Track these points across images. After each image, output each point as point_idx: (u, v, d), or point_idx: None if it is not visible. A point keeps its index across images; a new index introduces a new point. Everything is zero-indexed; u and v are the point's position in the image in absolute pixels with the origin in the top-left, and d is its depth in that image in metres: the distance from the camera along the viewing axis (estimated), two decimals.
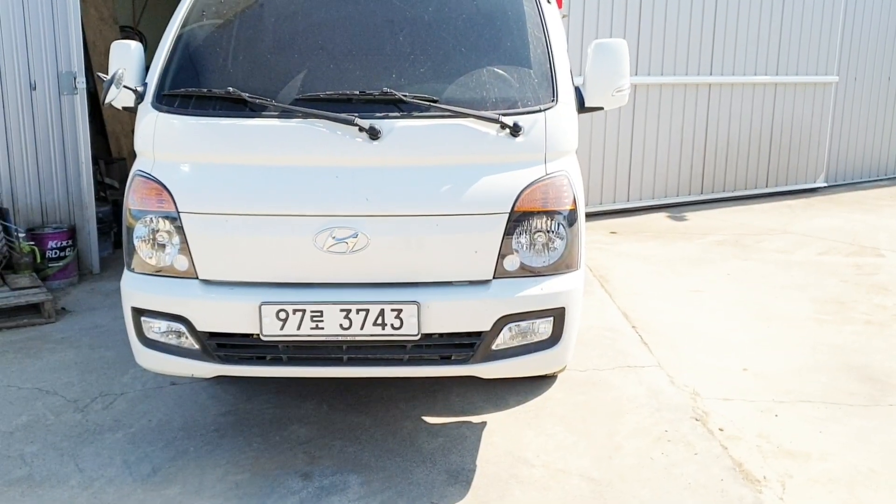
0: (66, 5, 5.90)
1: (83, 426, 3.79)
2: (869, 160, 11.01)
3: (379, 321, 3.09)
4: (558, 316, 3.22)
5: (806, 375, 4.43)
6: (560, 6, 4.89)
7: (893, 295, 5.88)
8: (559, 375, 4.30)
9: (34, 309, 5.27)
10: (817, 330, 5.14)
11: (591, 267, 6.68)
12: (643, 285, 6.15)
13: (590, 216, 8.57)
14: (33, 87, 5.90)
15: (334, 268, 3.13)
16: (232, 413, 3.91)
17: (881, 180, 11.25)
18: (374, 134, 3.11)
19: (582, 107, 3.53)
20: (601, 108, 3.56)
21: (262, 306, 3.08)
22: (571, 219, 3.24)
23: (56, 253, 5.94)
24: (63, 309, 5.47)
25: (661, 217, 8.71)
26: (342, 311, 3.08)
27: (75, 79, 5.99)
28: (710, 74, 8.99)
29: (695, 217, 8.70)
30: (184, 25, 3.58)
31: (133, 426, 3.79)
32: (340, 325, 3.09)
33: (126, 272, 3.35)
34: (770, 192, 9.81)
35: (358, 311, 3.08)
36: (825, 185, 10.42)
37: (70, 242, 6.00)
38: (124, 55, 3.53)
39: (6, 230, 5.67)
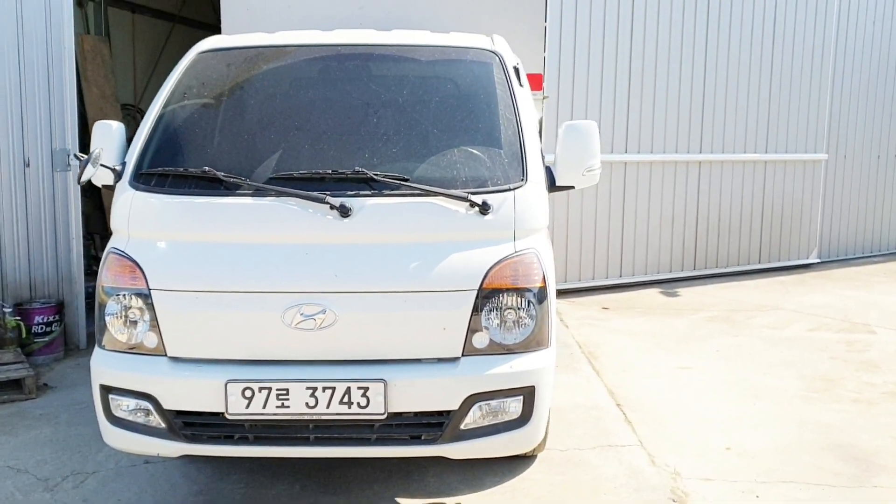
0: (63, 84, 6.05)
1: None
2: (861, 236, 11.05)
3: (345, 399, 3.07)
4: (528, 394, 3.19)
5: (790, 454, 4.36)
6: (540, 88, 5.00)
7: (883, 372, 5.83)
8: (539, 455, 4.24)
9: (15, 385, 5.24)
10: (804, 408, 5.08)
11: (580, 343, 6.65)
12: (632, 362, 6.11)
13: (582, 291, 8.59)
14: (27, 164, 6.00)
15: (302, 345, 3.13)
16: (203, 493, 3.85)
17: (874, 256, 11.27)
18: (344, 212, 3.15)
19: (553, 185, 3.57)
20: (572, 187, 3.61)
21: (229, 384, 3.07)
22: (541, 296, 3.24)
23: (42, 328, 5.94)
24: (45, 385, 5.44)
25: (653, 293, 8.70)
26: (308, 388, 3.07)
27: (69, 156, 6.09)
28: (700, 152, 9.11)
29: (687, 293, 8.69)
30: (165, 105, 3.66)
31: None
32: (306, 404, 3.07)
33: (96, 349, 3.35)
34: (763, 268, 9.82)
35: (324, 388, 3.07)
36: (818, 261, 10.44)
37: (57, 318, 6.01)
38: (106, 134, 3.61)
39: None
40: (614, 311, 7.86)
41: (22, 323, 5.78)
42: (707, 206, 9.29)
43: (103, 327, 3.29)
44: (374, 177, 3.22)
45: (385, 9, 4.96)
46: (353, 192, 3.22)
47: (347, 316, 3.10)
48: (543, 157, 3.59)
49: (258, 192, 3.25)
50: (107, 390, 3.26)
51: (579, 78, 8.17)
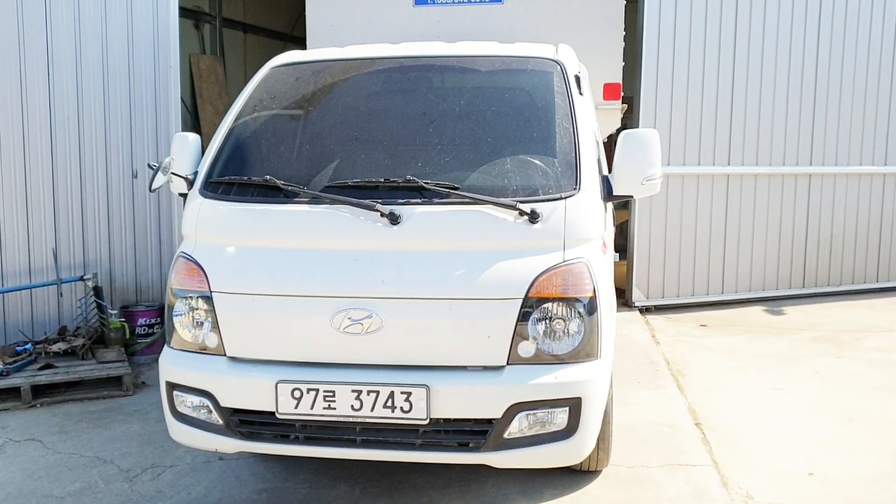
0: (168, 100, 6.44)
1: (127, 495, 3.95)
2: None
3: (389, 403, 3.12)
4: (574, 406, 3.14)
5: (881, 486, 4.08)
6: (618, 97, 4.92)
7: None
8: (603, 470, 4.15)
9: (116, 381, 5.59)
10: None
11: (669, 360, 6.46)
12: (721, 381, 5.88)
13: (679, 308, 8.34)
14: (135, 175, 6.41)
15: (349, 348, 3.20)
16: (267, 491, 3.98)
17: None
18: (394, 219, 3.21)
19: (610, 194, 3.52)
20: (631, 197, 3.54)
21: (279, 384, 3.18)
22: (591, 306, 3.19)
23: (145, 329, 6.31)
24: (143, 383, 5.77)
25: (757, 311, 8.34)
26: (353, 391, 3.14)
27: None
28: (811, 164, 8.67)
29: (793, 312, 8.28)
30: (237, 118, 3.84)
31: (173, 498, 3.92)
32: (351, 406, 3.14)
33: (165, 348, 3.54)
34: (880, 287, 9.23)
35: (368, 392, 3.13)
36: None
37: (159, 320, 6.37)
38: (182, 146, 3.82)
39: (100, 308, 6.09)
40: (712, 329, 7.58)
41: (126, 324, 6.16)
42: (818, 221, 8.82)
43: (171, 328, 3.48)
44: (425, 185, 3.27)
45: (462, 22, 5.03)
46: (403, 200, 3.28)
47: (393, 321, 3.16)
48: (601, 167, 3.54)
49: (314, 200, 3.36)
50: (172, 387, 3.45)
51: (678, 85, 7.93)
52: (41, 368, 5.51)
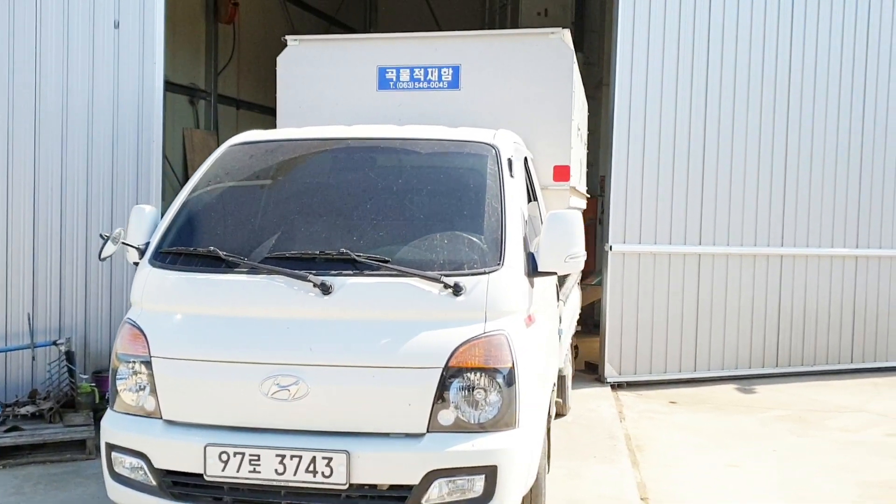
0: (150, 173, 6.68)
1: None
2: None
3: (311, 468, 3.24)
4: (490, 473, 3.25)
5: None
6: (567, 179, 5.15)
7: None
8: None
9: (80, 445, 5.69)
10: None
11: (632, 435, 6.52)
12: (679, 457, 5.94)
13: (651, 385, 8.40)
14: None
15: (277, 414, 3.34)
16: None
17: None
18: (325, 289, 3.39)
19: (535, 271, 3.69)
20: (555, 273, 3.71)
21: (207, 447, 3.31)
22: (509, 377, 3.33)
23: None
24: None
25: (728, 389, 8.40)
26: (277, 455, 3.26)
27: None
28: (783, 245, 8.84)
29: (765, 390, 8.33)
30: (191, 192, 4.06)
31: None
32: (276, 470, 3.26)
33: (108, 411, 3.68)
34: (855, 367, 9.27)
35: (292, 457, 3.25)
36: None
37: None
38: (139, 217, 4.03)
39: (70, 372, 6.24)
40: (681, 406, 7.64)
41: (97, 389, 6.29)
42: (791, 301, 8.94)
43: (115, 391, 3.63)
44: (357, 258, 3.46)
45: (421, 106, 5.30)
46: (336, 272, 3.46)
47: (319, 388, 3.30)
48: (527, 245, 3.73)
49: (252, 270, 3.55)
50: (111, 448, 3.58)
51: (649, 166, 8.15)
52: (7, 430, 5.62)
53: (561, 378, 6.59)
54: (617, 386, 8.28)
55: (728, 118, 8.47)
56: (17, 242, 6.29)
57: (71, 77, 6.43)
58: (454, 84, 5.33)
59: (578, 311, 8.00)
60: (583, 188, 7.30)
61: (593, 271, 9.50)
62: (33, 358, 6.25)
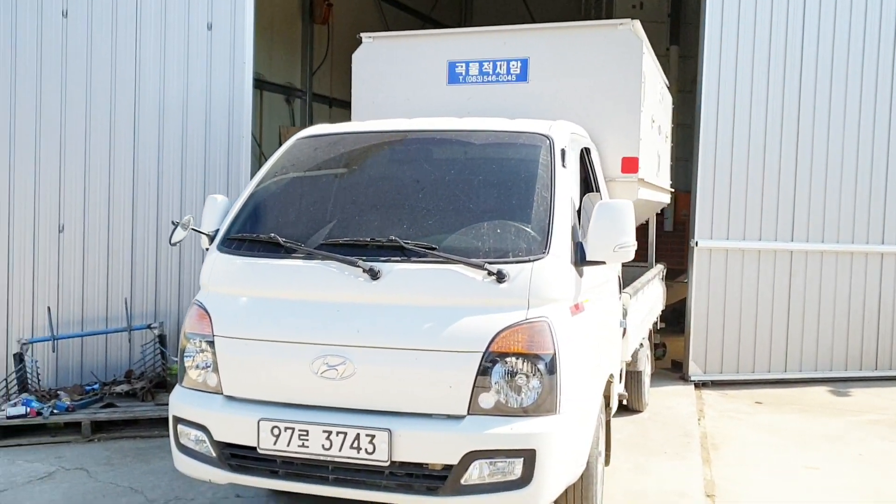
0: (240, 167, 7.02)
1: None
2: None
3: (355, 444, 3.37)
4: (528, 457, 3.30)
5: None
6: (635, 171, 5.10)
7: None
8: None
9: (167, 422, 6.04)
10: None
11: (707, 434, 6.39)
12: (755, 457, 5.79)
13: (738, 384, 8.18)
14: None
15: (325, 392, 3.50)
16: None
17: None
18: (374, 274, 3.52)
19: (583, 260, 3.71)
20: (603, 263, 3.72)
21: (261, 422, 3.50)
22: (550, 363, 3.37)
23: None
24: None
25: (820, 391, 8.08)
26: (324, 431, 3.41)
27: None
28: (883, 243, 8.43)
29: (860, 394, 7.97)
30: (259, 183, 4.28)
31: None
32: (322, 446, 3.42)
33: (177, 387, 3.94)
34: None
35: (337, 433, 3.40)
36: None
37: None
38: (211, 205, 4.28)
39: (163, 355, 6.64)
40: (767, 406, 7.41)
41: None
42: (892, 301, 8.51)
43: (183, 368, 3.88)
44: (404, 245, 3.58)
45: (490, 99, 5.36)
46: (385, 258, 3.59)
47: (364, 368, 3.44)
48: (576, 235, 3.75)
49: (308, 256, 3.72)
50: (177, 421, 3.83)
51: (738, 158, 7.96)
52: (103, 407, 6.05)
53: (636, 373, 6.53)
54: (701, 385, 8.11)
55: (823, 111, 8.14)
56: (118, 232, 6.73)
57: (167, 75, 6.82)
58: (522, 77, 5.36)
59: (660, 307, 7.87)
60: (664, 182, 7.18)
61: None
62: (129, 340, 6.68)
